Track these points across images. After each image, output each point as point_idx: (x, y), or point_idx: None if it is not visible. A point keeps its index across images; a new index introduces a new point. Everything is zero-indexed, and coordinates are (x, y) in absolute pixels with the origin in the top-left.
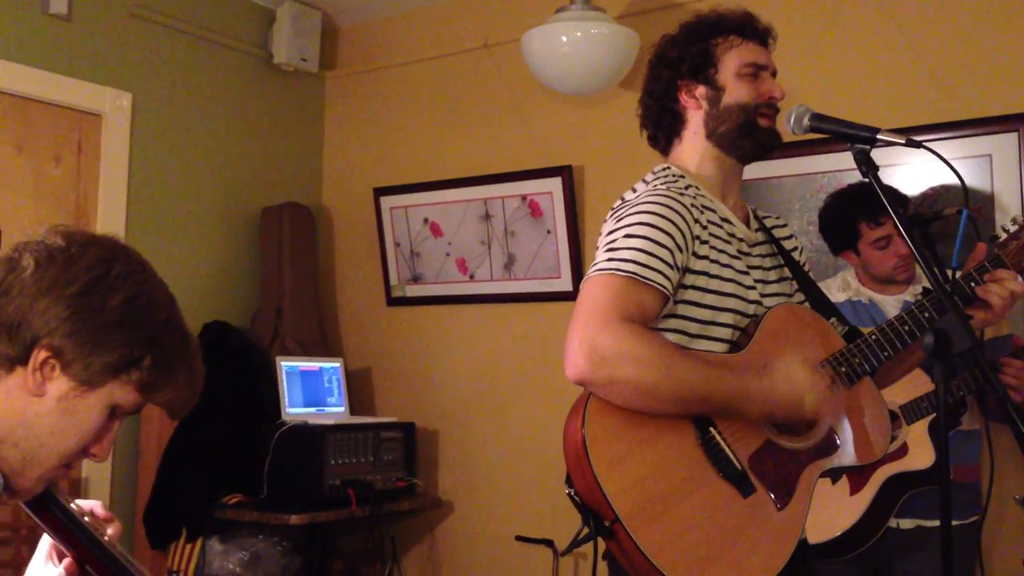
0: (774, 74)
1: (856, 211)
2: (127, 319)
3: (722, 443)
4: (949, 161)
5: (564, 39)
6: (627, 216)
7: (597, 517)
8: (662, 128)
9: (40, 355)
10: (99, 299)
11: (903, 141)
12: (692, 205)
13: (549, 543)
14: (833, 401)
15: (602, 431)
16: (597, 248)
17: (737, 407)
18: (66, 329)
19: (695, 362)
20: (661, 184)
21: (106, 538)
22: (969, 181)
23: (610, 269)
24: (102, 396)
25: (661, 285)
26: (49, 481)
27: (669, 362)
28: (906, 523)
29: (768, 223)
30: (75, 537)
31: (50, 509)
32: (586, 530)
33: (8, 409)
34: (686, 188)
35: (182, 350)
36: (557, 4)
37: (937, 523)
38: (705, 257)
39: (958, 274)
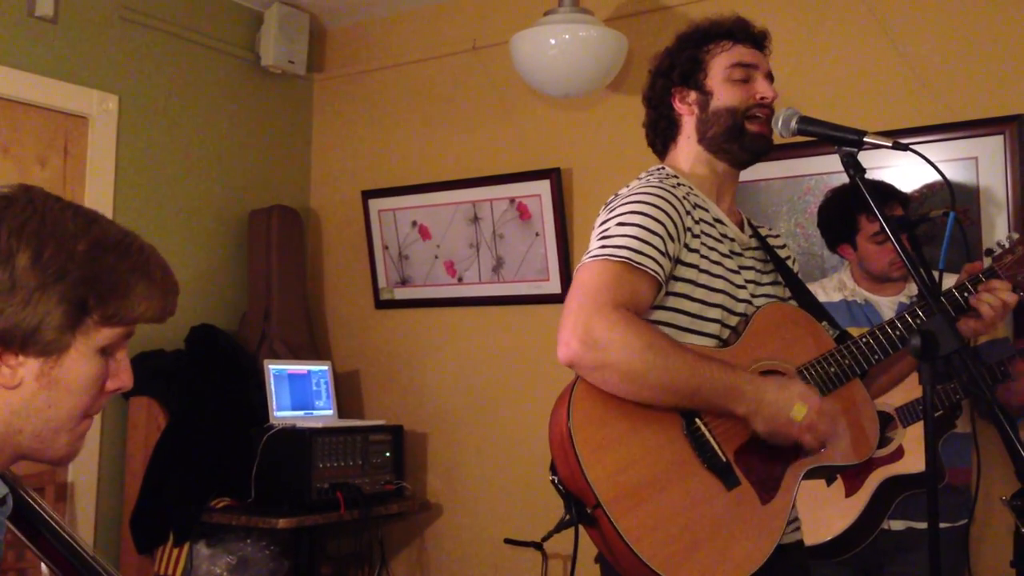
0: (770, 76)
1: (857, 204)
2: (46, 276)
3: (708, 435)
4: (935, 164)
5: (552, 42)
6: (620, 207)
7: (579, 503)
8: (659, 133)
9: None
10: (7, 273)
11: (890, 144)
12: (684, 197)
13: (538, 546)
14: (825, 420)
15: (588, 418)
16: (591, 241)
17: (725, 404)
18: None
19: (687, 354)
20: (654, 179)
21: (90, 552)
22: (956, 183)
23: (603, 255)
24: (78, 351)
25: (654, 271)
26: (81, 437)
27: (661, 351)
28: (897, 525)
29: (762, 232)
30: (65, 559)
31: (39, 530)
32: (568, 517)
33: None
34: (677, 185)
35: (123, 264)
36: (545, 7)
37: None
38: (696, 251)
39: (951, 280)
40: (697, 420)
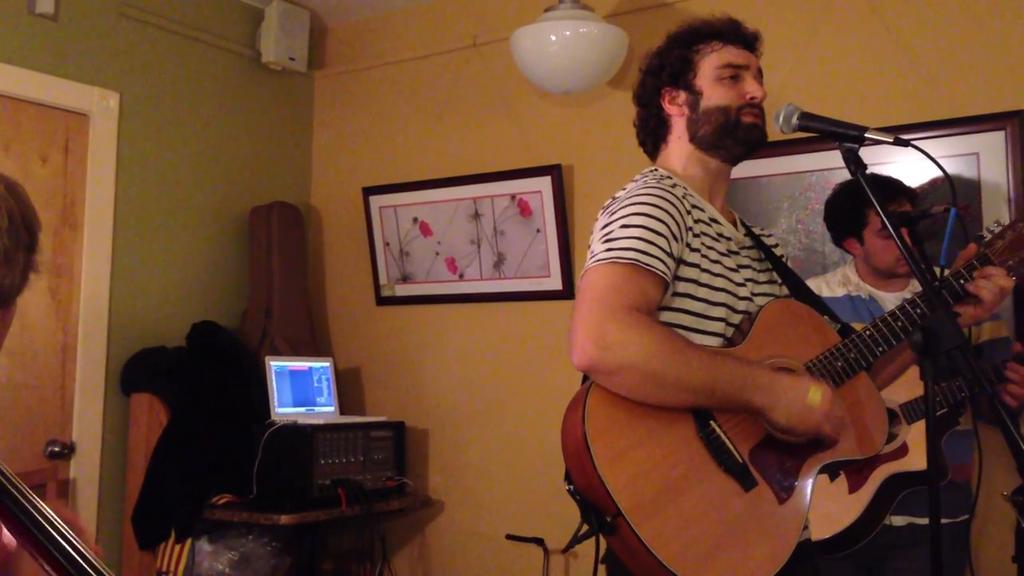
0: (760, 76)
1: (867, 198)
2: (19, 236)
3: (723, 436)
4: (937, 159)
5: (553, 38)
6: (621, 209)
7: (598, 513)
8: (649, 133)
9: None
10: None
11: (891, 140)
12: (682, 197)
13: (539, 541)
14: (839, 406)
15: (602, 425)
16: (590, 244)
17: (743, 397)
18: (9, 280)
19: (702, 351)
20: (652, 180)
21: (79, 546)
22: (957, 179)
23: (610, 258)
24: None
25: (661, 271)
26: None
27: (677, 350)
28: (899, 520)
29: (755, 231)
30: (50, 554)
31: (26, 526)
32: (586, 527)
33: None
34: (674, 186)
35: (30, 211)
36: (546, 3)
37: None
38: (697, 250)
39: (947, 272)
40: (711, 422)
